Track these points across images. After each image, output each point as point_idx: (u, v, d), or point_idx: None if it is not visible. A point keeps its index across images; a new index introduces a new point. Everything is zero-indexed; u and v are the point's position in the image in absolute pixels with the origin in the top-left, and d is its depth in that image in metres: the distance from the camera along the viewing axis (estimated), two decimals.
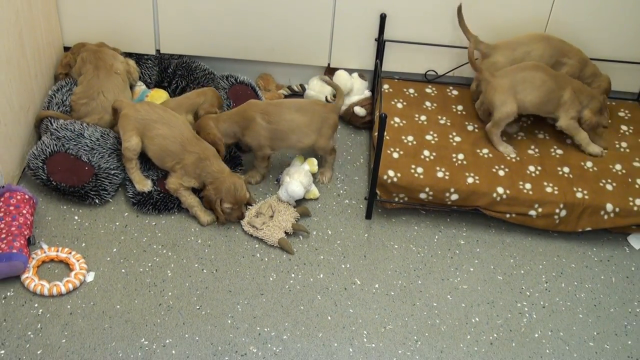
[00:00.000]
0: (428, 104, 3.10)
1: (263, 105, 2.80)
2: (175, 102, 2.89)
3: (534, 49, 2.93)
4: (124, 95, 2.93)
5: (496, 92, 2.82)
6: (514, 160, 2.85)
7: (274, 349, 2.32)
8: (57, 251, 2.53)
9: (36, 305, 2.38)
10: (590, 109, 2.85)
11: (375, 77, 3.18)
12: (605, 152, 2.89)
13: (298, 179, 2.76)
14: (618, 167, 2.87)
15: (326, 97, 3.12)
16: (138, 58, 3.16)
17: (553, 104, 2.85)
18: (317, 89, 3.21)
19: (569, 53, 2.96)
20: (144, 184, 2.72)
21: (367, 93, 3.23)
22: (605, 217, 2.72)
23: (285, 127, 2.76)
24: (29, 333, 2.29)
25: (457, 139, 2.93)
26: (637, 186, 2.79)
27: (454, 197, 2.72)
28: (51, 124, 2.80)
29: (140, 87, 3.11)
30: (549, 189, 2.73)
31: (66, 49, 3.19)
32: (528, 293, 2.57)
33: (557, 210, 2.70)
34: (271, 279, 2.53)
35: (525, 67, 2.84)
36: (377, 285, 2.55)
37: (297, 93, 3.28)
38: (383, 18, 3.07)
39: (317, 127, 2.78)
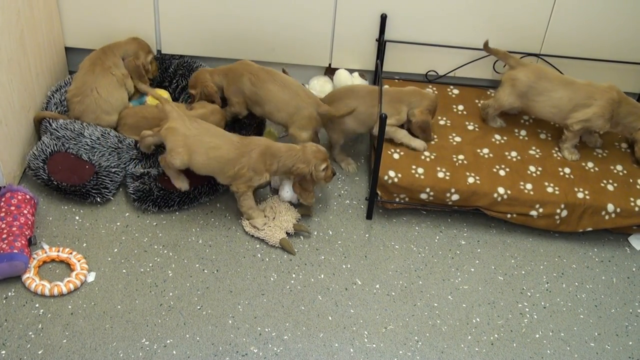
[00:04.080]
0: None
1: (256, 68, 2.87)
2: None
3: (554, 90, 2.82)
4: (119, 95, 2.91)
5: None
6: (514, 160, 2.85)
7: (275, 349, 2.32)
8: (58, 251, 2.53)
9: (37, 305, 2.38)
10: (419, 109, 2.84)
11: (376, 78, 3.18)
12: (425, 147, 2.87)
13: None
14: (619, 167, 2.87)
15: None
16: None
17: (372, 121, 2.83)
18: (318, 88, 3.22)
19: (595, 95, 2.80)
20: (183, 183, 2.70)
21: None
22: (607, 217, 2.72)
23: (264, 95, 2.82)
24: (30, 333, 2.29)
25: (458, 139, 2.93)
26: (638, 187, 2.79)
27: (455, 197, 2.72)
28: (50, 124, 2.80)
29: None
30: (550, 189, 2.73)
31: (67, 49, 3.19)
32: (529, 293, 2.57)
33: (558, 211, 2.70)
34: (272, 279, 2.53)
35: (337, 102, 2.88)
36: (377, 286, 2.55)
37: None
38: (384, 18, 3.08)
39: (291, 110, 2.81)
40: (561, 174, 2.81)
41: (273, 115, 2.85)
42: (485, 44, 2.96)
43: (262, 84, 2.82)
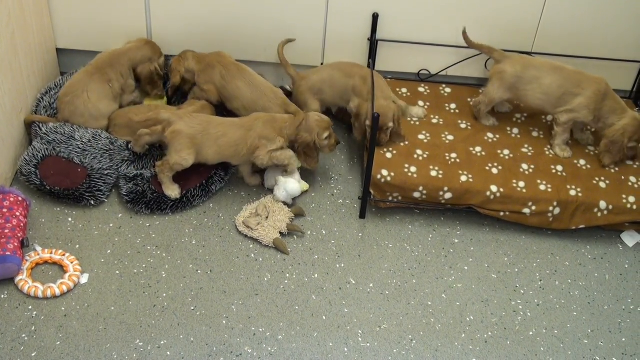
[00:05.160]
0: (421, 103, 3.10)
1: (229, 62, 2.94)
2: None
3: (543, 77, 2.84)
4: (108, 103, 2.87)
5: (299, 94, 3.01)
6: (507, 158, 2.86)
7: (269, 349, 2.32)
8: (51, 253, 2.52)
9: (30, 307, 2.37)
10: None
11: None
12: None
13: (291, 176, 2.77)
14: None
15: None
16: None
17: (348, 94, 2.94)
18: None
19: (583, 84, 2.80)
20: (174, 190, 2.71)
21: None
22: (599, 214, 2.73)
23: (232, 91, 2.90)
24: (23, 335, 2.29)
25: (450, 137, 2.94)
26: (630, 184, 2.80)
27: (448, 195, 2.73)
28: (40, 128, 2.79)
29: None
30: (542, 187, 2.74)
31: (59, 50, 3.18)
32: (522, 291, 2.57)
33: (551, 208, 2.71)
34: (266, 279, 2.53)
35: (320, 69, 3.00)
36: (371, 285, 2.55)
37: (290, 93, 3.27)
38: (375, 18, 3.08)
39: (256, 108, 2.88)
40: (553, 171, 2.82)
41: (240, 112, 2.91)
42: (464, 33, 2.97)
43: (232, 80, 2.89)
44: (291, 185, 2.75)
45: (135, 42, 3.01)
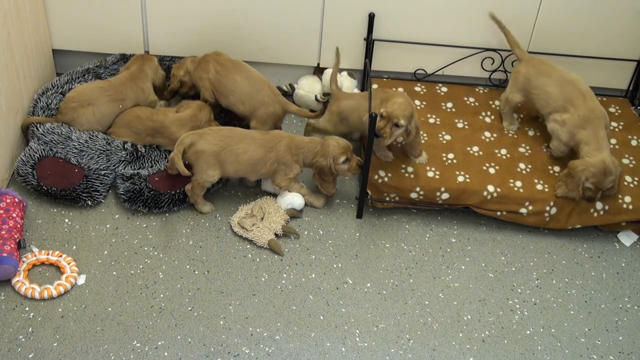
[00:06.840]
0: (417, 102, 3.11)
1: (225, 58, 2.93)
2: (177, 119, 2.85)
3: (549, 85, 2.80)
4: (112, 119, 2.87)
5: (329, 111, 2.89)
6: (504, 158, 2.86)
7: (267, 349, 2.32)
8: (48, 254, 2.52)
9: (27, 308, 2.37)
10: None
11: (365, 77, 3.19)
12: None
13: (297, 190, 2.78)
14: None
15: (315, 97, 3.12)
16: (126, 60, 3.15)
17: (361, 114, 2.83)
18: (306, 88, 3.22)
19: (576, 104, 2.73)
20: (207, 207, 2.73)
21: (357, 92, 3.24)
22: (595, 214, 2.73)
23: (228, 85, 2.88)
24: (20, 337, 2.28)
25: (447, 137, 2.94)
26: (625, 183, 2.81)
27: (445, 196, 2.73)
28: (37, 128, 2.78)
29: None
30: (539, 187, 2.74)
31: (55, 51, 3.18)
32: (519, 290, 2.58)
33: (548, 208, 2.71)
34: (263, 279, 2.53)
35: (355, 96, 2.91)
36: (368, 284, 2.55)
37: (286, 93, 3.28)
38: (371, 17, 3.08)
39: (254, 102, 2.86)
40: (550, 171, 2.82)
41: (237, 107, 2.89)
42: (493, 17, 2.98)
43: (227, 74, 2.88)
44: (297, 200, 2.75)
45: (136, 60, 3.00)
